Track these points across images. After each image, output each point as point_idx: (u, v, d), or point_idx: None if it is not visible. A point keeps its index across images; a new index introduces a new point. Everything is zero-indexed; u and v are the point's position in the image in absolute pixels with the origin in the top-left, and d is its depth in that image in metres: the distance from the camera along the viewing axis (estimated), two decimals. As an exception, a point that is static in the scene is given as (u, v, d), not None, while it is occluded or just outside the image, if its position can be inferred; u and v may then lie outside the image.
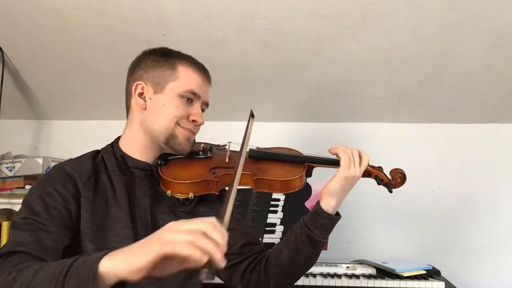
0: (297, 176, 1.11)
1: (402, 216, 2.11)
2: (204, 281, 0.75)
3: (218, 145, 1.23)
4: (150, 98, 1.10)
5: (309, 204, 1.83)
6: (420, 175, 2.08)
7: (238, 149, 1.06)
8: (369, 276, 1.67)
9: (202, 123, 1.13)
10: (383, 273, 1.70)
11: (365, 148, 1.17)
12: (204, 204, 1.16)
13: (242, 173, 1.02)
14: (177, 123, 1.09)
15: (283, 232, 1.80)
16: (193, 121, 1.11)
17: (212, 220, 0.74)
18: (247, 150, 1.13)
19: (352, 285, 1.61)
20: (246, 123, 1.05)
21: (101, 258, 0.74)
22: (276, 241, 1.74)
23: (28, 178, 2.00)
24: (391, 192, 1.17)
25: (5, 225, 1.86)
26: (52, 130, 2.32)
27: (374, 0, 1.59)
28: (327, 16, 1.66)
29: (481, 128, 2.17)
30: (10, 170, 2.01)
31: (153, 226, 1.05)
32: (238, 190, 0.99)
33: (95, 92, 2.12)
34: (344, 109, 2.14)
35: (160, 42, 1.56)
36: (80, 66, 1.97)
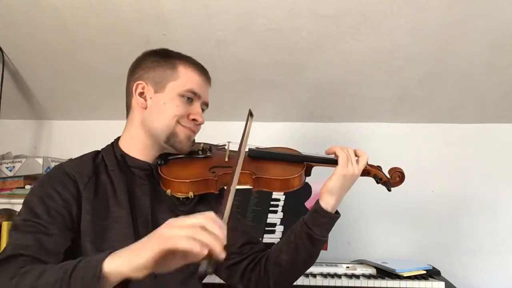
0: (296, 175, 1.12)
1: (402, 216, 2.11)
2: (204, 281, 0.75)
3: (218, 145, 1.24)
4: (151, 98, 1.11)
5: (309, 204, 1.83)
6: (420, 175, 2.08)
7: (237, 148, 1.06)
8: (369, 276, 1.67)
9: (202, 122, 1.14)
10: (383, 273, 1.70)
11: (365, 148, 1.17)
12: (204, 203, 1.16)
13: (241, 172, 1.03)
14: (178, 122, 1.10)
15: (283, 232, 1.80)
16: (194, 120, 1.12)
17: (211, 214, 0.75)
18: (246, 150, 1.13)
19: (352, 285, 1.61)
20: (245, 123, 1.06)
21: (104, 258, 0.75)
22: (276, 241, 1.73)
23: (28, 178, 2.00)
24: (390, 190, 1.17)
25: (5, 225, 1.86)
26: (52, 130, 2.32)
27: (374, 0, 1.59)
28: (327, 16, 1.66)
29: (481, 128, 2.17)
30: (10, 170, 2.01)
31: (154, 225, 1.05)
32: (238, 190, 0.99)
33: (95, 92, 2.12)
34: (344, 109, 2.14)
35: (160, 42, 1.57)
36: (80, 66, 1.97)
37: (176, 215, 1.08)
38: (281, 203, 1.89)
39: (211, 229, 0.72)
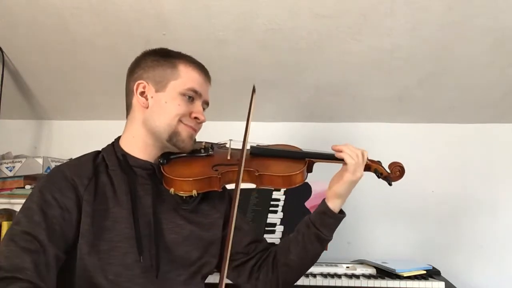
0: (298, 172, 1.13)
1: (402, 216, 2.11)
2: (207, 281, 0.74)
3: (219, 143, 1.24)
4: (152, 97, 1.11)
5: (309, 204, 1.83)
6: (420, 175, 2.08)
7: (239, 146, 1.08)
8: (369, 276, 1.67)
9: (204, 121, 1.14)
10: (383, 273, 1.69)
11: (365, 148, 1.17)
12: (207, 202, 1.17)
13: (244, 170, 1.05)
14: (180, 121, 1.10)
15: (283, 232, 1.80)
16: (195, 118, 1.12)
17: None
18: (248, 148, 1.14)
19: (352, 285, 1.61)
20: (245, 123, 1.07)
21: None
22: (276, 241, 1.74)
23: (28, 178, 2.00)
24: (390, 185, 1.18)
25: (5, 225, 1.86)
26: (52, 130, 2.32)
27: (374, 0, 1.60)
28: (327, 16, 1.66)
29: (481, 128, 2.17)
30: (10, 170, 2.01)
31: (156, 225, 1.06)
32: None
33: (95, 92, 2.12)
34: (344, 109, 2.14)
35: (160, 42, 1.56)
36: (80, 66, 1.97)
37: (179, 214, 1.07)
38: (281, 203, 1.88)
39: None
